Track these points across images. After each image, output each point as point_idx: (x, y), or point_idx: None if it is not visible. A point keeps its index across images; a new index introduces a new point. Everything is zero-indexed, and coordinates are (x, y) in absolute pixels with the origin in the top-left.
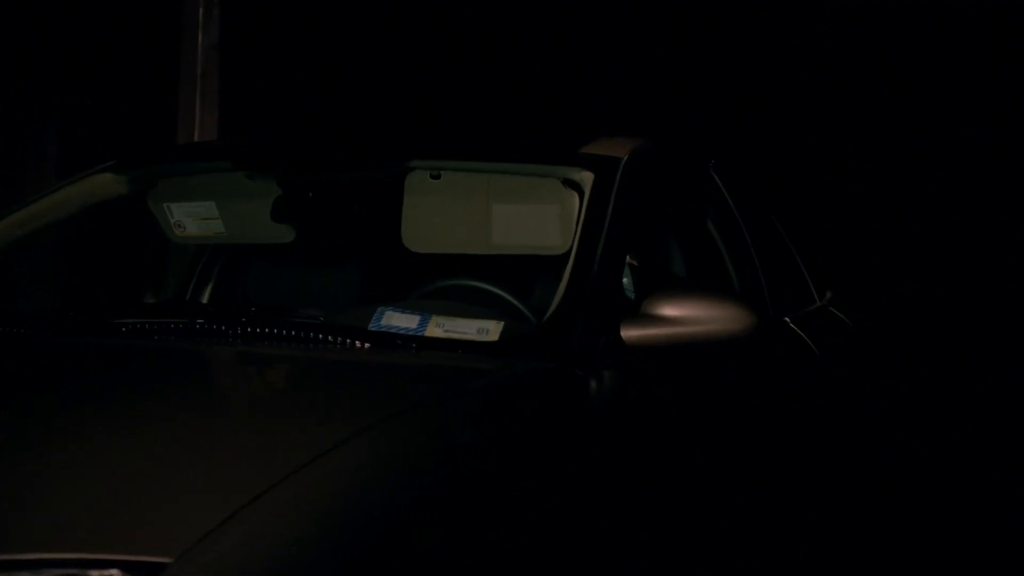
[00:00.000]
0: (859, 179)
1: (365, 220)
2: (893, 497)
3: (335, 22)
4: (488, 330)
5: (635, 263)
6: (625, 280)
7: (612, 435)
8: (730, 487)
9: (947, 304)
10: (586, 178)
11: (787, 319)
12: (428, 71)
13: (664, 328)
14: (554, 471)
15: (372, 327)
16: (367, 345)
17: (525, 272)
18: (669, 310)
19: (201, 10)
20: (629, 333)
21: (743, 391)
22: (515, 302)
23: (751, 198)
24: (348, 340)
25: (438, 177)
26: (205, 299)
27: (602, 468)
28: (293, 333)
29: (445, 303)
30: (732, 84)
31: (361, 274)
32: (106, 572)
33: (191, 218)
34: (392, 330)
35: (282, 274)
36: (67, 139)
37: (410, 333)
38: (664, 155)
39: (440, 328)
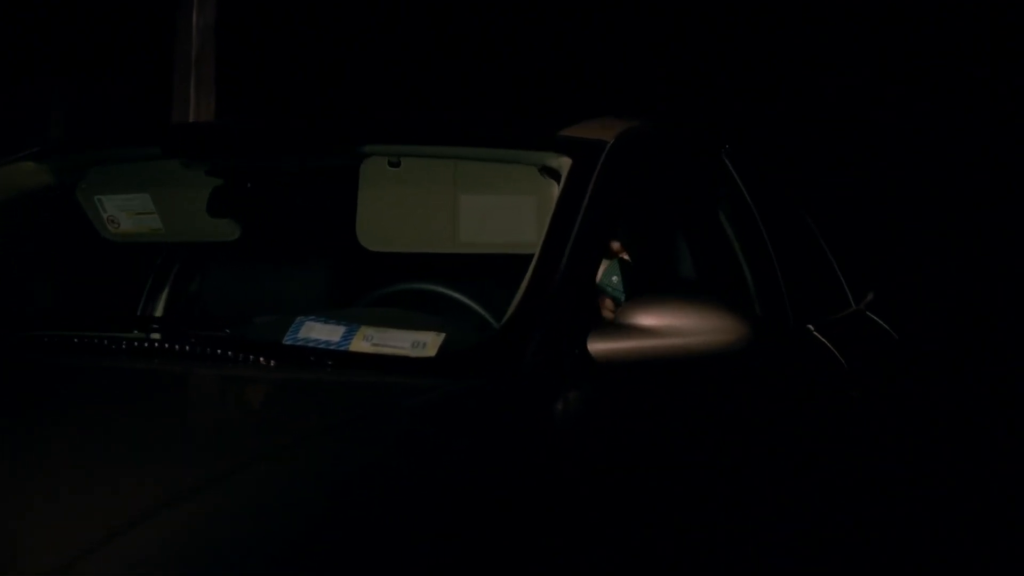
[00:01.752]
0: (909, 167)
1: (322, 214)
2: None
3: (335, 3)
4: (425, 343)
5: (627, 257)
6: (614, 278)
7: (571, 470)
8: (719, 534)
9: (999, 309)
10: (564, 164)
11: (810, 327)
12: (431, 56)
13: (639, 340)
14: (481, 517)
15: (286, 340)
16: (273, 362)
17: (501, 274)
18: (646, 319)
19: None
20: (597, 346)
21: (736, 415)
22: (482, 311)
23: (772, 189)
24: (252, 357)
25: (397, 164)
26: (160, 308)
27: (555, 512)
28: (188, 349)
29: (387, 311)
30: (756, 60)
31: (329, 275)
32: None
33: (124, 212)
34: (309, 344)
35: (240, 277)
36: (59, 128)
37: (330, 347)
38: (664, 139)
39: (368, 341)
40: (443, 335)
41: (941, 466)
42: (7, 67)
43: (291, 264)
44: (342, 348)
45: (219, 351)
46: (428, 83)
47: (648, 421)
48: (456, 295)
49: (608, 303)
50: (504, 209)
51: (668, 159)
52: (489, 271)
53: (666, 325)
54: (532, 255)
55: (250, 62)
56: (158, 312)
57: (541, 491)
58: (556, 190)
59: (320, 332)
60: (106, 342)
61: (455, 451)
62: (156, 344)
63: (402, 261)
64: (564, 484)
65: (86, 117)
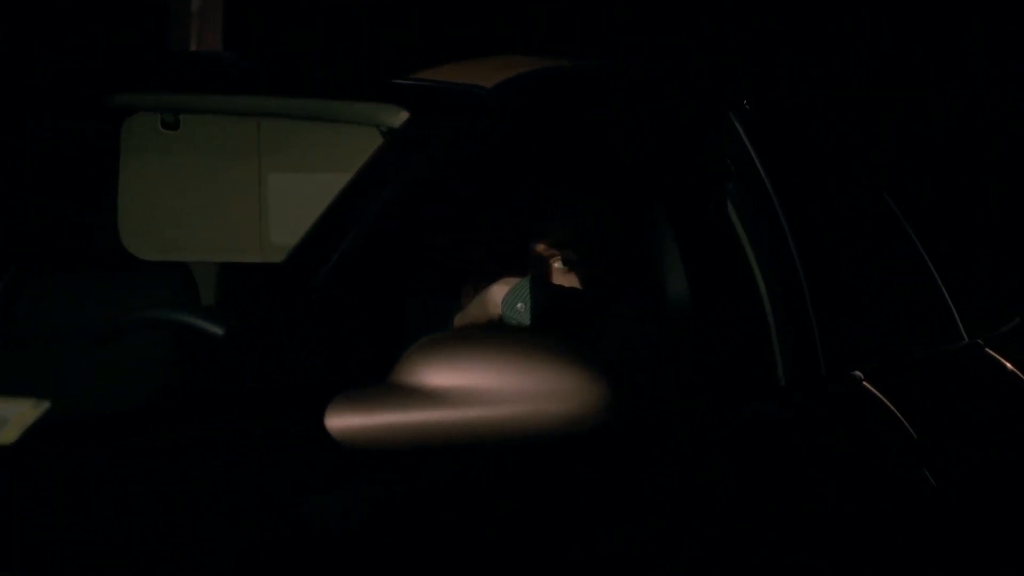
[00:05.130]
0: None
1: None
2: None
3: None
4: (7, 420)
5: (564, 269)
6: (520, 306)
7: None
8: None
9: None
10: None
11: (858, 374)
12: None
13: (404, 412)
14: None
15: None
16: None
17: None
18: (434, 375)
19: None
20: (337, 422)
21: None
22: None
23: (813, 163)
24: None
25: (175, 126)
26: None
27: None
28: None
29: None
30: None
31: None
32: None
33: None
34: None
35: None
36: None
37: None
38: (613, 91)
39: None
40: (44, 408)
41: None
42: None
43: None
44: None
45: None
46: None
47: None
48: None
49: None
50: (331, 193)
51: (625, 121)
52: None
53: (464, 387)
54: None
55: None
56: None
57: None
58: None
59: None
60: None
61: None
62: None
63: None
64: None
65: None
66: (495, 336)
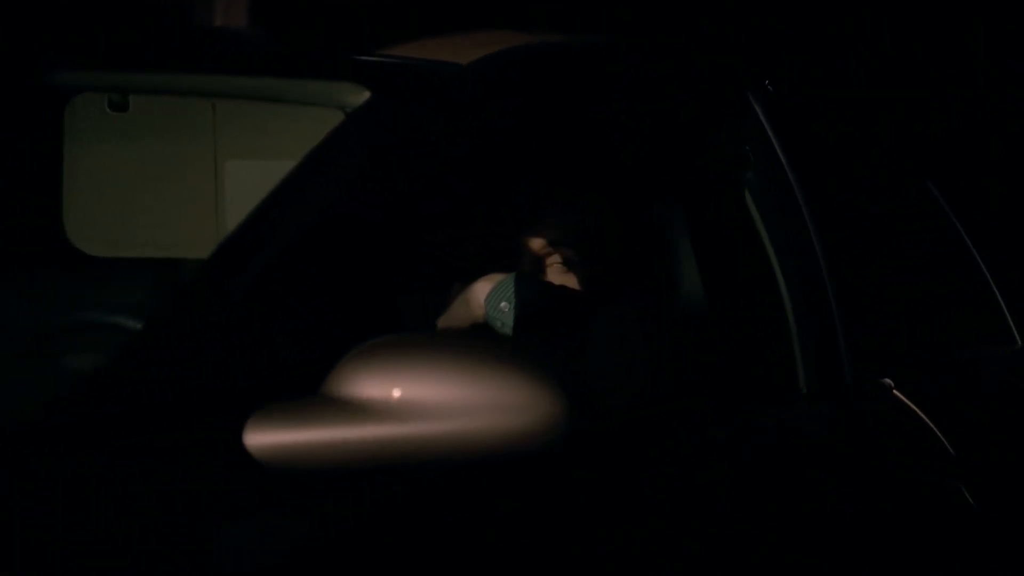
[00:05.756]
0: None
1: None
2: None
3: None
4: None
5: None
6: (504, 305)
7: None
8: None
9: None
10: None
11: (888, 381)
12: None
13: (333, 428)
14: None
15: None
16: None
17: None
18: (370, 386)
19: None
20: (257, 439)
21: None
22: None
23: (843, 150)
24: None
25: (123, 107)
26: None
27: None
28: None
29: None
30: None
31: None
32: None
33: None
34: None
35: None
36: None
37: None
38: (615, 68)
39: None
40: None
41: None
42: None
43: None
44: None
45: None
46: None
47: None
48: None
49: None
50: None
51: (628, 104)
52: None
53: (402, 399)
54: None
55: None
56: None
57: None
58: None
59: None
60: None
61: None
62: None
63: None
64: None
65: None
66: (440, 343)
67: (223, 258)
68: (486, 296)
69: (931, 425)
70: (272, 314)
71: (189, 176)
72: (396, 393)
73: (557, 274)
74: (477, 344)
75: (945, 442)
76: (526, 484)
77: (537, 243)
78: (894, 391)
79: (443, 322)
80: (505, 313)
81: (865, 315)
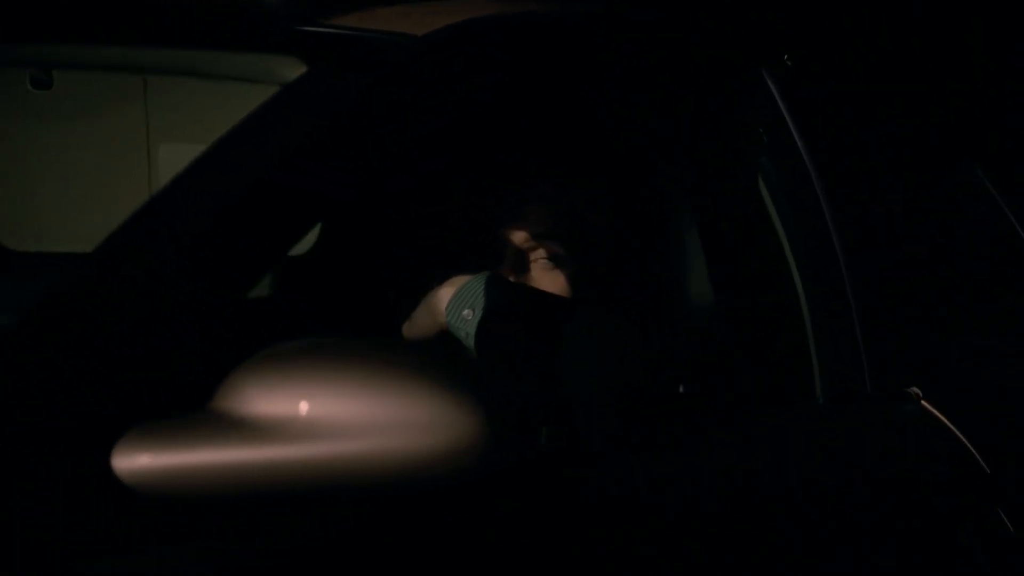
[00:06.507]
0: None
1: None
2: None
3: None
4: None
5: (548, 264)
6: (467, 312)
7: None
8: None
9: None
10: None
11: (915, 390)
12: None
13: (217, 449)
14: None
15: None
16: None
17: None
18: (264, 401)
19: None
20: (128, 462)
21: None
22: None
23: (871, 133)
24: None
25: (46, 84)
26: None
27: None
28: None
29: None
30: None
31: None
32: None
33: None
34: None
35: None
36: None
37: None
38: (606, 41)
39: None
40: None
41: None
42: None
43: None
44: None
45: None
46: None
47: None
48: None
49: None
50: None
51: (622, 82)
52: None
53: (301, 416)
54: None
55: None
56: None
57: None
58: None
59: None
60: None
61: None
62: None
63: None
64: None
65: None
66: (348, 351)
67: (105, 250)
68: (447, 303)
69: (964, 440)
70: (157, 316)
71: (120, 160)
72: (304, 408)
73: (542, 272)
74: (390, 353)
75: (979, 459)
76: (436, 513)
77: (519, 236)
78: (922, 401)
79: (406, 330)
80: (468, 321)
81: (890, 316)
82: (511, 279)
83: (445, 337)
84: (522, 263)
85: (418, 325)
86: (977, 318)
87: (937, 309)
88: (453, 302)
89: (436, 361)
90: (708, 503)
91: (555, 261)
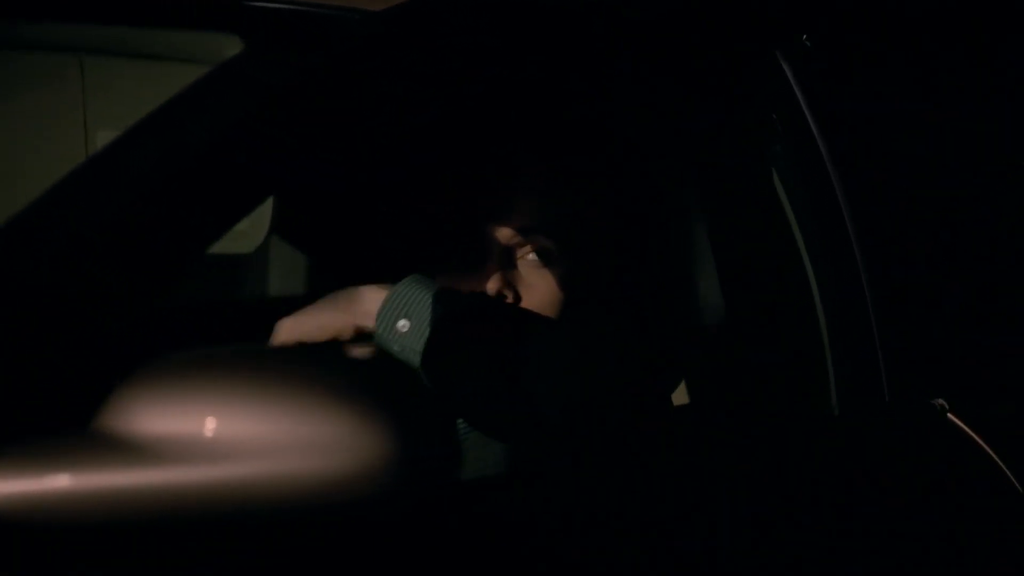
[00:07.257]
0: None
1: None
2: None
3: None
4: None
5: (532, 260)
6: (402, 324)
7: None
8: None
9: None
10: None
11: (941, 402)
12: None
13: (98, 473)
14: None
15: None
16: None
17: None
18: (155, 419)
19: None
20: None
21: None
22: None
23: (896, 121)
24: None
25: None
26: None
27: None
28: None
29: None
30: None
31: None
32: None
33: None
34: None
35: None
36: None
37: None
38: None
39: None
40: None
41: None
42: None
43: None
44: None
45: None
46: None
47: None
48: None
49: None
50: None
51: (620, 63)
52: None
53: (196, 435)
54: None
55: None
56: None
57: None
58: None
59: None
60: None
61: None
62: None
63: None
64: None
65: None
66: (249, 363)
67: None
68: (378, 311)
69: (994, 457)
70: (44, 317)
71: (55, 148)
72: (211, 425)
73: (530, 269)
74: (296, 366)
75: (1012, 477)
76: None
77: (504, 232)
78: (948, 414)
79: (295, 328)
80: (405, 334)
81: (912, 322)
82: (497, 278)
83: (358, 341)
84: (508, 260)
85: (322, 326)
86: (1009, 325)
87: (964, 314)
88: (385, 310)
89: (344, 373)
90: (701, 524)
91: (544, 258)
